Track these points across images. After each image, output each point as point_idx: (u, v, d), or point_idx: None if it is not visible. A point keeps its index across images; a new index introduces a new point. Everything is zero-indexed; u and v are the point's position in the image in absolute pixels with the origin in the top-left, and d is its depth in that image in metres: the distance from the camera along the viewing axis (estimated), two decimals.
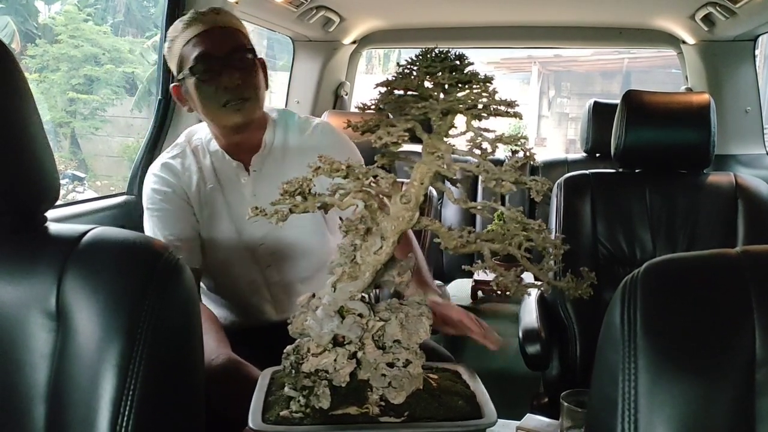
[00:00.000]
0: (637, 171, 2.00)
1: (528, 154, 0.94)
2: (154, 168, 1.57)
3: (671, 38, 3.00)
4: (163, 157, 1.59)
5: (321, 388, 0.91)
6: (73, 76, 8.12)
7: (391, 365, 0.93)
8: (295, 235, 1.54)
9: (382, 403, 0.92)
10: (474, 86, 0.93)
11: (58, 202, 0.94)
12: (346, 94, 3.54)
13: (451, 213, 3.10)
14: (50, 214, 0.92)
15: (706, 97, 1.90)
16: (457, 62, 0.92)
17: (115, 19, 9.63)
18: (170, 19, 2.14)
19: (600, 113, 3.04)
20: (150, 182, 1.55)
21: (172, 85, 1.55)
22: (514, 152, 0.94)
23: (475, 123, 0.94)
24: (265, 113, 1.58)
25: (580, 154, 3.29)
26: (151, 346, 0.77)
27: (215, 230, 1.54)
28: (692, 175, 1.96)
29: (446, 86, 0.93)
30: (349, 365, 0.92)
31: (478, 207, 0.98)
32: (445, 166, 0.92)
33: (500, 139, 0.92)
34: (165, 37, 2.13)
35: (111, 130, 8.75)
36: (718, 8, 2.38)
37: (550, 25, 3.17)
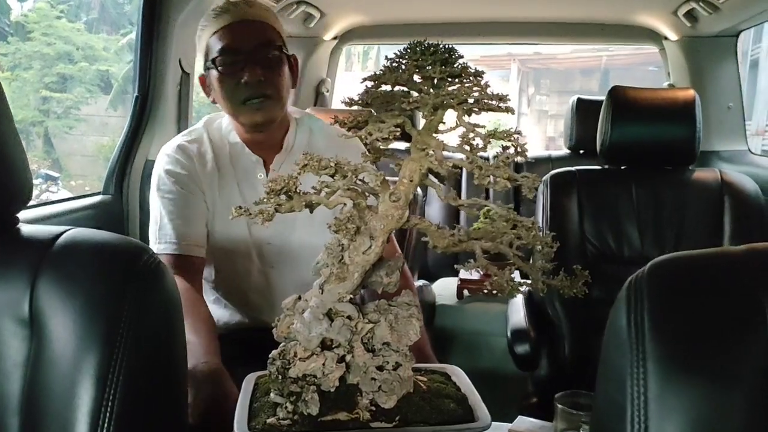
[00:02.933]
0: (623, 168, 1.99)
1: (519, 149, 0.92)
2: (168, 149, 1.54)
3: (653, 34, 3.00)
4: (179, 139, 1.56)
5: (309, 393, 0.89)
6: (46, 74, 8.00)
7: (380, 368, 0.92)
8: (302, 238, 1.52)
9: (373, 408, 0.90)
10: (465, 80, 0.91)
11: (31, 203, 0.90)
12: (327, 91, 3.51)
13: (435, 210, 3.07)
14: (22, 215, 0.88)
15: (691, 93, 1.90)
16: (447, 56, 0.90)
17: (89, 16, 9.51)
18: (147, 16, 2.10)
19: (583, 110, 3.05)
20: (162, 162, 1.52)
21: (199, 74, 1.54)
22: (505, 148, 0.91)
23: (465, 118, 0.92)
24: (288, 113, 1.57)
25: (564, 151, 3.29)
26: (131, 353, 0.73)
27: (226, 222, 1.52)
28: (678, 171, 1.95)
29: (435, 80, 0.91)
30: (338, 369, 0.90)
31: (466, 204, 0.97)
32: (436, 163, 0.89)
33: (493, 134, 0.90)
34: (142, 34, 2.11)
35: (85, 129, 8.63)
36: (701, 3, 2.38)
37: (533, 21, 3.17)
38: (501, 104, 0.91)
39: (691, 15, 2.58)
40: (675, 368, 0.56)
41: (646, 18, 2.89)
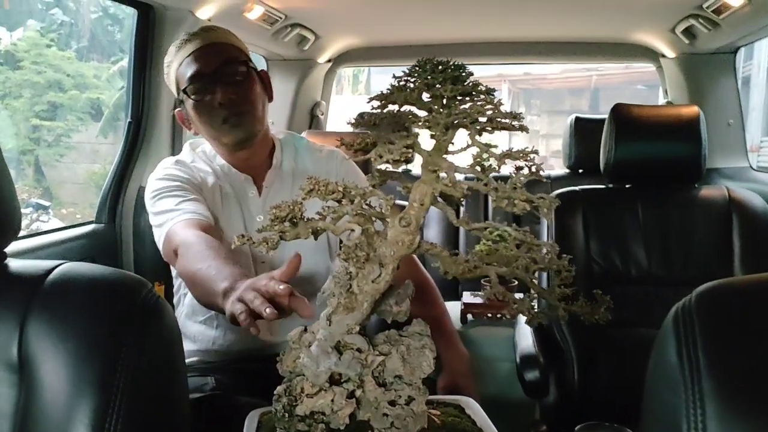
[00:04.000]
0: (627, 186, 1.95)
1: (534, 169, 0.88)
2: (165, 163, 1.53)
3: (650, 52, 3.00)
4: (174, 157, 1.56)
5: None
6: (37, 103, 7.97)
7: (393, 403, 0.87)
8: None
9: None
10: (476, 98, 0.86)
11: (21, 233, 0.84)
12: (322, 114, 3.49)
13: (433, 232, 3.02)
14: (10, 247, 0.82)
15: (695, 109, 1.87)
16: (458, 73, 0.86)
17: (80, 44, 9.51)
18: (140, 42, 2.07)
19: (582, 129, 3.03)
20: (159, 173, 1.50)
21: (176, 110, 1.53)
22: (519, 168, 0.87)
23: (477, 138, 0.87)
24: (270, 133, 1.57)
25: (563, 171, 3.27)
26: (129, 398, 0.67)
27: (226, 234, 1.48)
28: (684, 189, 1.92)
29: (446, 99, 0.87)
30: (348, 406, 0.85)
31: (479, 228, 0.92)
32: (450, 185, 0.85)
33: (509, 154, 0.86)
34: (135, 60, 2.08)
35: (76, 157, 8.59)
36: (700, 20, 2.36)
37: (529, 41, 3.16)
38: (514, 122, 0.87)
39: (689, 32, 2.57)
40: (737, 409, 0.50)
41: (643, 36, 2.89)
